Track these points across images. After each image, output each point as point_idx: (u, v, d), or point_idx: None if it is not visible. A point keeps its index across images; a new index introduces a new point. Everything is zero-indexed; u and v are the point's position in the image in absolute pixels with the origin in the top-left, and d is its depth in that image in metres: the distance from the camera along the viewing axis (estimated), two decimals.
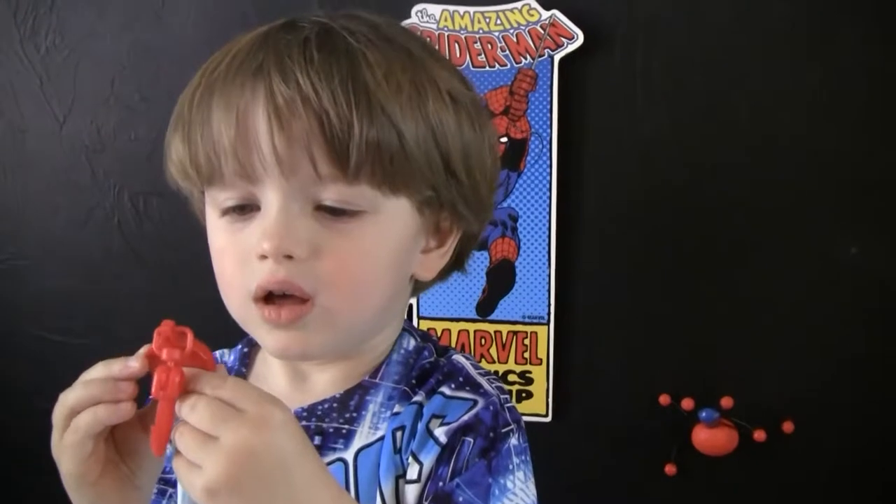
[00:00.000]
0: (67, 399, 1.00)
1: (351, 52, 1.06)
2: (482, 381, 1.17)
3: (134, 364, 0.98)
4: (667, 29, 2.27)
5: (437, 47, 2.23)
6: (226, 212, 1.10)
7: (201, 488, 0.93)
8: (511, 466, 1.11)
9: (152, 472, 1.05)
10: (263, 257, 1.05)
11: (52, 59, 2.53)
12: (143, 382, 0.99)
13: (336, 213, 1.06)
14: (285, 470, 0.94)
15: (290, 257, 1.05)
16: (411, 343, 1.24)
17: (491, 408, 1.12)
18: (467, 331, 2.35)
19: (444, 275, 1.26)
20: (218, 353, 1.30)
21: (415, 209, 1.12)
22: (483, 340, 2.35)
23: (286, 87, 1.03)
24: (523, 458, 1.14)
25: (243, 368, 1.27)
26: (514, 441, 1.13)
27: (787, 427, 2.29)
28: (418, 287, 1.26)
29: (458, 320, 2.34)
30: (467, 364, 1.19)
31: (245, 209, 1.08)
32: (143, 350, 0.99)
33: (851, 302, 2.27)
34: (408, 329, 1.26)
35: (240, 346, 1.27)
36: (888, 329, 2.27)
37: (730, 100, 2.27)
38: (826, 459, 2.32)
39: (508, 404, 1.16)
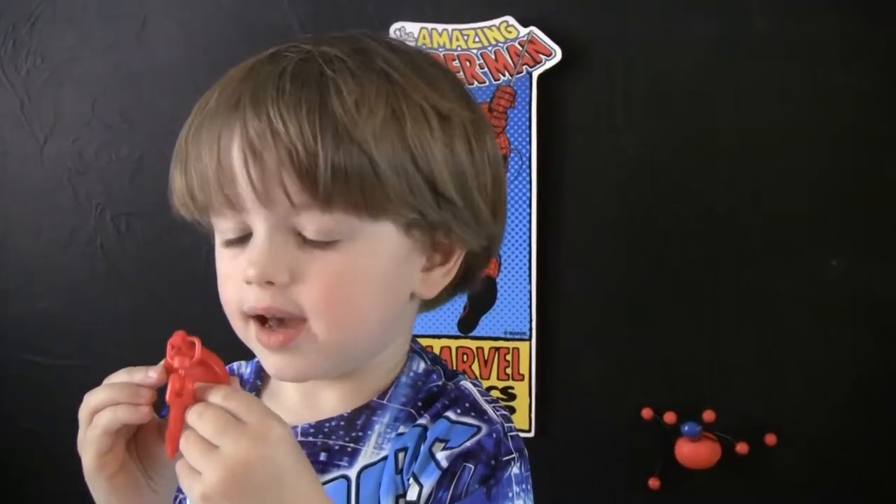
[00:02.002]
0: (91, 399, 1.06)
1: (322, 82, 1.08)
2: (488, 408, 1.17)
3: (152, 374, 1.05)
4: (645, 44, 2.28)
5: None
6: (228, 243, 1.14)
7: (199, 494, 0.98)
8: (511, 495, 1.12)
9: (171, 479, 1.08)
10: (250, 282, 1.10)
11: (32, 80, 2.53)
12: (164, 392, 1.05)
13: (318, 239, 1.09)
14: (279, 484, 0.98)
15: (271, 283, 1.09)
16: (421, 366, 1.25)
17: (494, 435, 1.13)
18: (449, 347, 2.36)
19: (451, 292, 1.27)
20: (235, 364, 1.34)
21: (401, 232, 1.13)
22: (465, 357, 2.36)
23: (258, 121, 1.07)
24: (524, 486, 1.14)
25: (258, 381, 1.30)
26: (515, 470, 1.13)
27: (770, 440, 2.29)
28: (429, 304, 1.27)
29: (440, 337, 2.36)
30: (474, 391, 1.20)
31: (244, 239, 1.12)
32: (161, 362, 1.05)
33: (832, 314, 2.28)
34: (419, 351, 1.27)
35: (256, 359, 1.29)
36: (869, 341, 2.28)
37: (710, 116, 2.28)
38: (808, 472, 2.32)
39: (512, 433, 1.16)
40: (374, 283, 1.13)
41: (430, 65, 1.20)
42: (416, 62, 1.17)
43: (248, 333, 1.15)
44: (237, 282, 1.12)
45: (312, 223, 1.08)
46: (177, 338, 1.03)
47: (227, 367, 1.30)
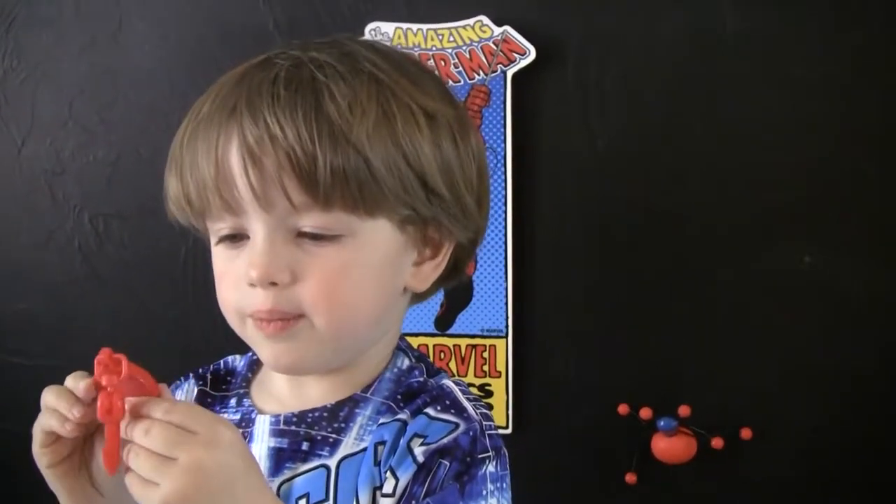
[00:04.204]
0: (44, 396, 1.08)
1: (316, 87, 1.12)
2: (468, 405, 1.19)
3: (81, 388, 1.05)
4: (619, 43, 2.30)
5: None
6: (221, 240, 1.17)
7: (159, 502, 1.00)
8: (484, 492, 1.13)
9: (118, 482, 1.08)
10: (252, 284, 1.13)
11: (9, 82, 2.53)
12: None
13: (317, 238, 1.12)
14: (232, 485, 1.02)
15: (274, 284, 1.12)
16: (405, 362, 1.28)
17: (471, 433, 1.15)
18: (427, 345, 2.37)
19: (441, 284, 1.30)
20: (230, 358, 1.37)
21: (396, 228, 1.17)
22: (442, 354, 2.37)
23: (255, 126, 1.10)
24: (498, 485, 1.15)
25: (249, 374, 1.33)
26: (490, 468, 1.14)
27: (745, 434, 2.31)
28: (419, 297, 1.30)
29: (417, 335, 2.36)
30: (456, 389, 1.22)
31: (237, 238, 1.16)
32: (90, 379, 1.05)
33: (805, 309, 2.30)
34: (404, 349, 1.30)
35: (250, 353, 1.33)
36: (843, 337, 2.30)
37: (683, 113, 2.30)
38: (783, 466, 2.34)
39: (490, 431, 1.18)
40: (371, 278, 1.17)
41: (413, 65, 1.24)
42: (400, 63, 1.21)
43: (245, 329, 1.18)
44: (235, 282, 1.16)
45: (312, 222, 1.11)
46: (103, 355, 1.03)
47: (220, 362, 1.36)
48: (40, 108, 2.54)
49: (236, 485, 1.02)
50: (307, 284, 1.12)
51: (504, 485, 1.17)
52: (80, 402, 1.05)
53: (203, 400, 1.32)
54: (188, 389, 1.35)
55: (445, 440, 1.14)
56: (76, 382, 1.06)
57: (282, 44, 1.21)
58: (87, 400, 1.04)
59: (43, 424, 1.07)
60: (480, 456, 1.14)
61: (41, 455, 1.10)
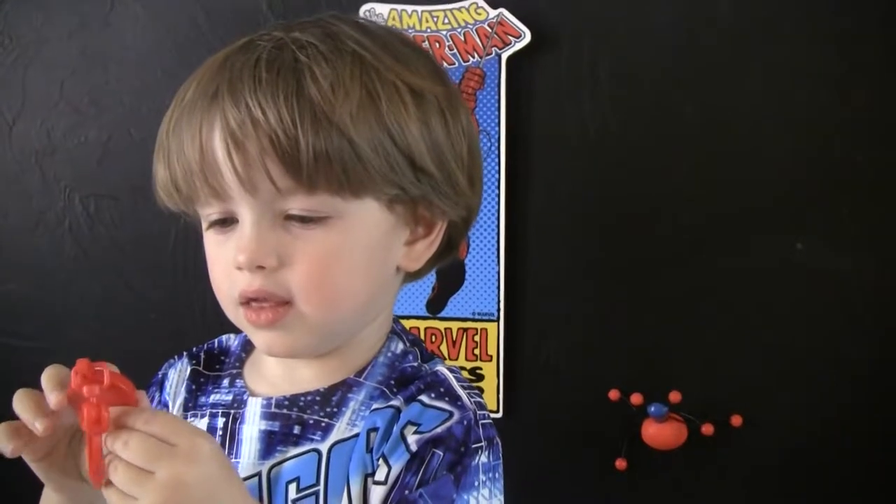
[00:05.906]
0: (13, 400, 1.05)
1: (298, 69, 1.12)
2: (462, 394, 1.19)
3: (53, 399, 1.02)
4: (613, 27, 2.29)
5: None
6: (211, 225, 1.18)
7: None
8: (477, 483, 1.13)
9: None
10: (240, 268, 1.13)
11: (0, 61, 2.52)
12: None
13: (304, 220, 1.13)
14: (213, 498, 1.01)
15: (262, 268, 1.12)
16: (399, 346, 1.28)
17: (465, 422, 1.15)
18: (418, 328, 2.36)
19: (435, 263, 1.30)
20: (224, 337, 1.38)
21: (384, 207, 1.17)
22: (433, 338, 2.36)
23: (237, 110, 1.10)
24: (491, 475, 1.16)
25: (243, 354, 1.33)
26: (483, 458, 1.15)
27: (735, 421, 2.31)
28: (412, 276, 1.30)
29: (408, 318, 2.36)
30: (450, 376, 1.22)
31: (226, 222, 1.16)
32: (65, 391, 1.02)
33: (796, 296, 2.30)
34: (399, 333, 1.30)
35: (244, 334, 1.32)
36: (834, 324, 2.30)
37: (678, 98, 2.29)
38: (774, 452, 2.34)
39: (484, 421, 1.18)
40: (360, 260, 1.17)
41: (401, 42, 1.23)
42: (386, 41, 1.20)
43: (238, 316, 1.18)
44: (225, 267, 1.16)
45: (298, 205, 1.11)
46: (81, 365, 1.00)
47: (214, 341, 1.37)
48: (31, 88, 2.52)
49: (216, 496, 1.01)
50: (295, 269, 1.13)
51: (496, 475, 1.17)
52: (45, 415, 1.01)
53: (196, 379, 1.32)
54: (181, 369, 1.35)
55: (439, 429, 1.14)
56: (49, 385, 1.03)
57: (266, 26, 1.20)
58: (59, 407, 1.01)
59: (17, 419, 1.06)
60: (474, 446, 1.14)
61: (25, 452, 1.07)
